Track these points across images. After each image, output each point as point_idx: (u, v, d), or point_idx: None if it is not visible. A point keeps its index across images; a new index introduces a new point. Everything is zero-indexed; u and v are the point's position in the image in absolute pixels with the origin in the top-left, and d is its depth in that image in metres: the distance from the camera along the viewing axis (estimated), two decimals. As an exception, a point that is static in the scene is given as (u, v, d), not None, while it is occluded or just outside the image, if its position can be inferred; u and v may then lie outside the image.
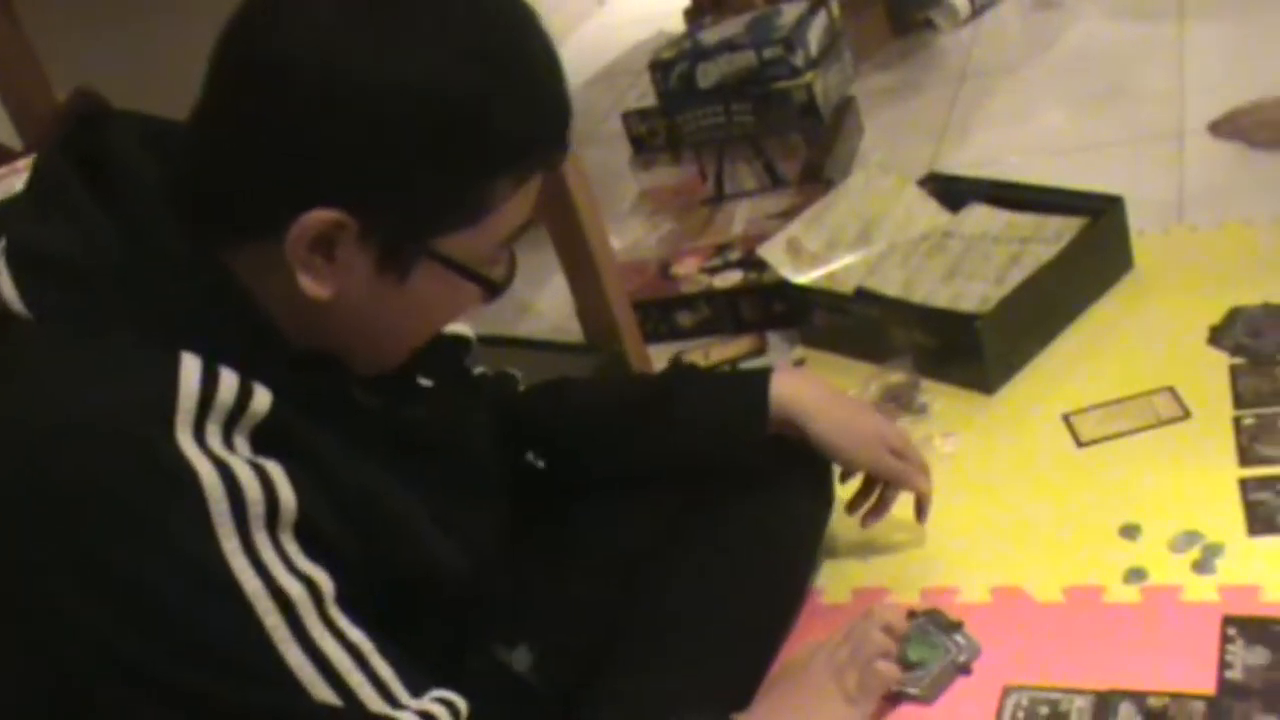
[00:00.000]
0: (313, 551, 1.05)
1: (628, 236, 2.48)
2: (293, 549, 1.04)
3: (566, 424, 1.54)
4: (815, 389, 1.56)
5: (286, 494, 1.04)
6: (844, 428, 1.54)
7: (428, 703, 1.09)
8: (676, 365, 2.15)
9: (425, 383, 1.29)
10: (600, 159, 2.68)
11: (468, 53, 1.04)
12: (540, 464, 1.51)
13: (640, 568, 1.47)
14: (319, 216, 1.03)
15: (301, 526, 1.05)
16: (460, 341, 1.39)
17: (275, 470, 1.04)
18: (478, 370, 1.49)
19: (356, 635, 1.05)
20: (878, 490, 1.61)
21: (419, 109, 1.03)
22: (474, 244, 1.10)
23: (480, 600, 1.28)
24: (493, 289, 1.14)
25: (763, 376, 1.54)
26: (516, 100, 1.06)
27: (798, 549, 1.61)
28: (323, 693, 1.02)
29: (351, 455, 1.11)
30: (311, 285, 1.06)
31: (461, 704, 1.11)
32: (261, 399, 1.05)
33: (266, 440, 1.05)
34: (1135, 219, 2.08)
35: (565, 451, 1.53)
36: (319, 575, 1.04)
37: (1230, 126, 2.33)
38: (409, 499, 1.16)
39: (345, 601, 1.06)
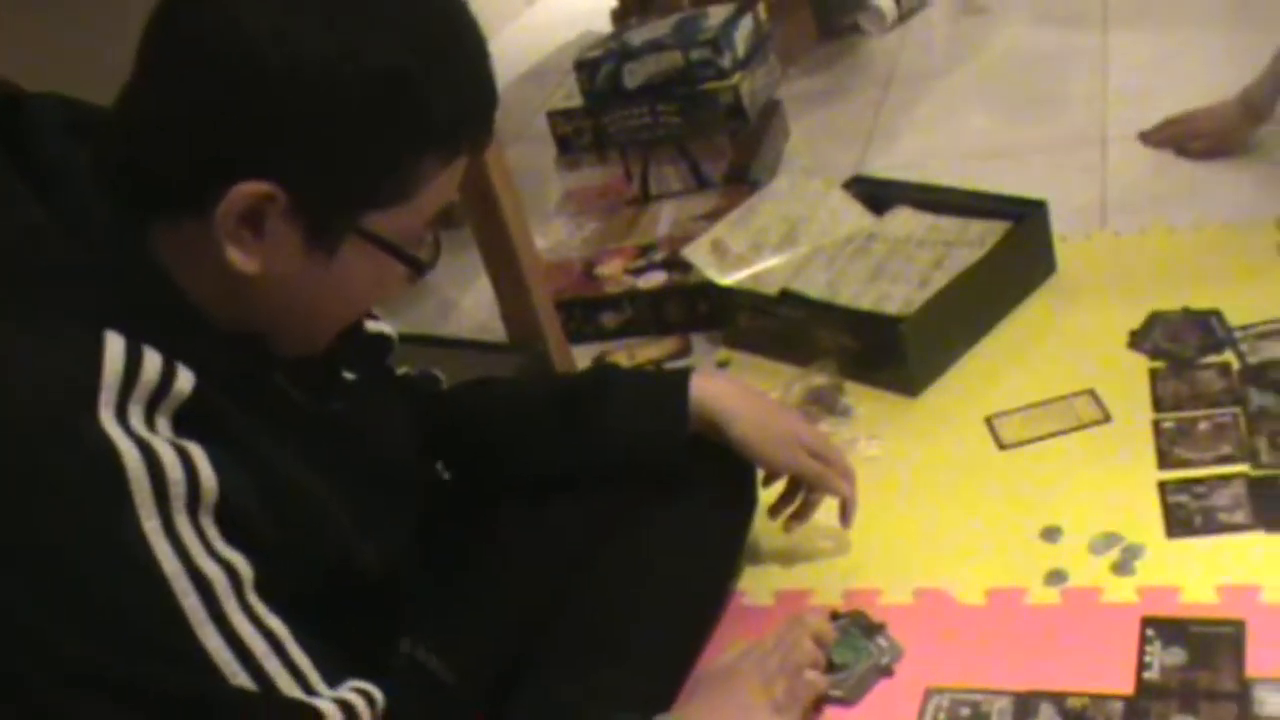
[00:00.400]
0: (232, 536, 1.04)
1: (552, 237, 2.46)
2: (212, 533, 1.03)
3: (487, 424, 1.52)
4: (736, 391, 1.56)
5: (208, 476, 1.03)
6: (764, 430, 1.53)
7: (345, 692, 1.08)
8: (599, 366, 2.14)
9: (348, 376, 1.27)
10: (526, 159, 2.67)
11: (400, 30, 1.05)
12: (446, 475, 1.50)
13: (562, 570, 1.46)
14: (248, 189, 1.03)
15: (222, 510, 1.04)
16: (383, 339, 1.38)
17: (197, 452, 1.03)
18: (400, 370, 1.48)
19: (274, 622, 1.05)
20: (800, 495, 1.60)
21: (350, 84, 1.03)
22: (401, 223, 1.10)
23: (398, 597, 1.26)
24: (419, 268, 1.15)
25: (683, 377, 1.53)
26: (447, 79, 1.07)
27: (719, 552, 1.61)
28: (239, 678, 1.02)
29: (273, 442, 1.11)
30: (240, 259, 1.05)
31: (378, 695, 1.11)
32: (184, 380, 1.04)
33: (189, 422, 1.04)
34: (1058, 224, 2.10)
35: (486, 451, 1.51)
36: (238, 560, 1.04)
37: (1162, 135, 2.35)
38: (328, 489, 1.15)
39: (264, 589, 1.05)
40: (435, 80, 1.06)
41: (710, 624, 1.57)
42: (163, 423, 1.03)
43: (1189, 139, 2.30)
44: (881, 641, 1.48)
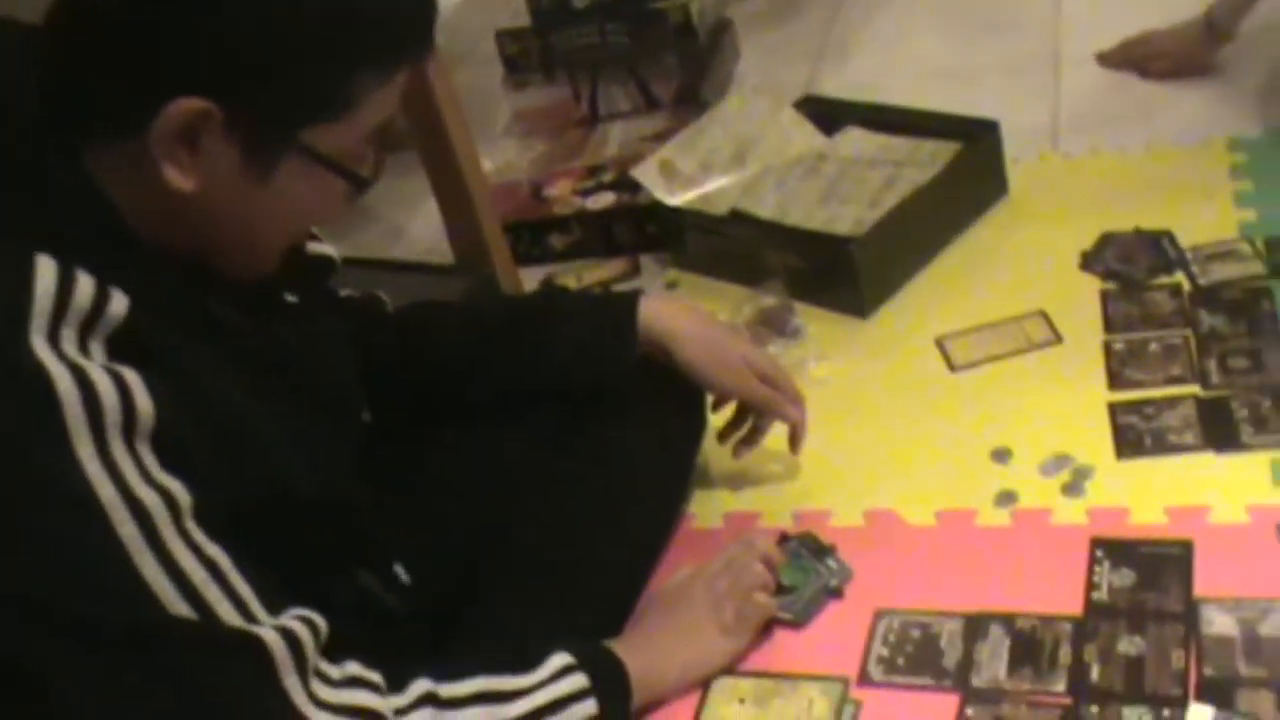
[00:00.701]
0: (169, 463, 1.02)
1: (500, 158, 2.43)
2: (149, 459, 1.01)
3: (435, 345, 1.50)
4: (685, 313, 1.54)
5: (144, 402, 1.00)
6: (712, 354, 1.52)
7: (287, 620, 1.06)
8: (547, 288, 2.12)
9: (289, 299, 1.25)
10: (473, 80, 2.62)
11: None
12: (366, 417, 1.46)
13: (509, 495, 1.44)
14: (184, 105, 1.01)
15: (158, 437, 1.02)
16: (324, 261, 1.35)
17: (132, 378, 1.00)
18: (344, 292, 1.45)
19: (213, 550, 1.03)
20: (749, 420, 1.59)
21: None
22: (341, 139, 1.09)
23: (341, 524, 1.24)
24: (359, 184, 1.13)
25: (632, 299, 1.51)
26: None
27: (668, 475, 1.59)
28: (178, 607, 1.00)
29: (211, 366, 1.09)
30: (177, 178, 1.03)
31: (321, 623, 1.09)
32: (119, 303, 1.01)
33: (123, 347, 1.02)
34: (1010, 145, 2.08)
35: (434, 372, 1.49)
36: (175, 487, 1.02)
37: (1122, 57, 2.33)
38: (267, 414, 1.13)
39: (203, 516, 1.03)
40: None
41: (659, 547, 1.56)
42: (96, 347, 1.01)
43: (1151, 59, 2.28)
44: (831, 563, 1.48)
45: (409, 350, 1.49)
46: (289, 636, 1.05)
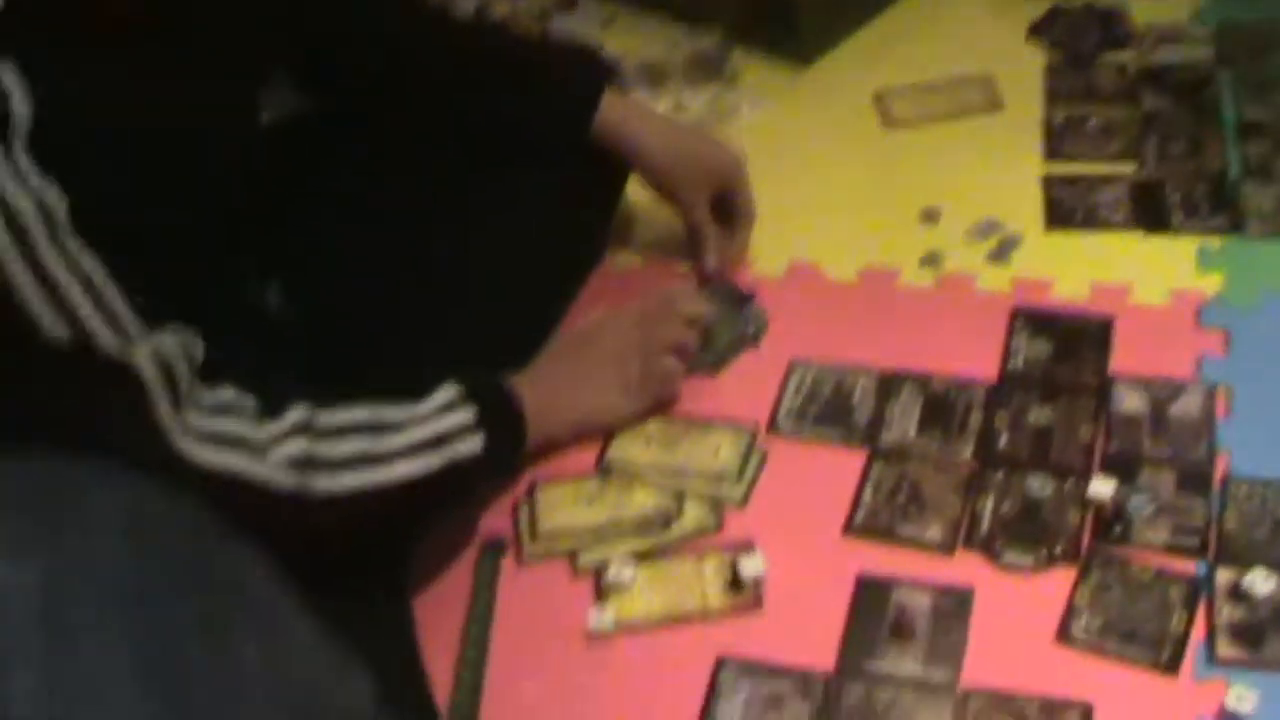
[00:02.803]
0: (49, 167, 0.96)
1: None
2: (24, 162, 0.95)
3: (390, 48, 1.41)
4: (655, 120, 1.47)
5: (19, 100, 0.94)
6: (674, 169, 1.45)
7: (161, 343, 1.01)
8: (486, 22, 1.98)
9: None
10: None
11: None
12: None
13: (416, 219, 1.38)
14: None
15: (36, 138, 0.95)
16: None
17: (7, 73, 0.94)
18: None
19: (89, 263, 0.97)
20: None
21: None
22: None
23: (223, 233, 1.18)
24: None
25: (596, 89, 1.42)
26: None
27: (586, 217, 1.52)
28: (50, 323, 0.95)
29: (96, 55, 1.02)
30: None
31: (197, 347, 1.05)
32: None
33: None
34: (971, -98, 2.00)
35: (389, 73, 1.40)
36: (51, 195, 0.96)
37: None
38: (157, 85, 1.06)
39: (81, 227, 0.97)
40: None
41: (573, 284, 1.51)
42: None
43: None
44: (749, 311, 1.45)
45: (359, 43, 1.40)
46: (162, 363, 1.01)
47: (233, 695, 0.75)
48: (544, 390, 1.30)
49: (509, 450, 1.25)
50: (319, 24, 1.35)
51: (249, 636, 0.77)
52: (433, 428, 1.17)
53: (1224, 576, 1.16)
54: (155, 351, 1.00)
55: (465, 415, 1.19)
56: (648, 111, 1.50)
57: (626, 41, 1.88)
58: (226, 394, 1.07)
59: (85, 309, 0.96)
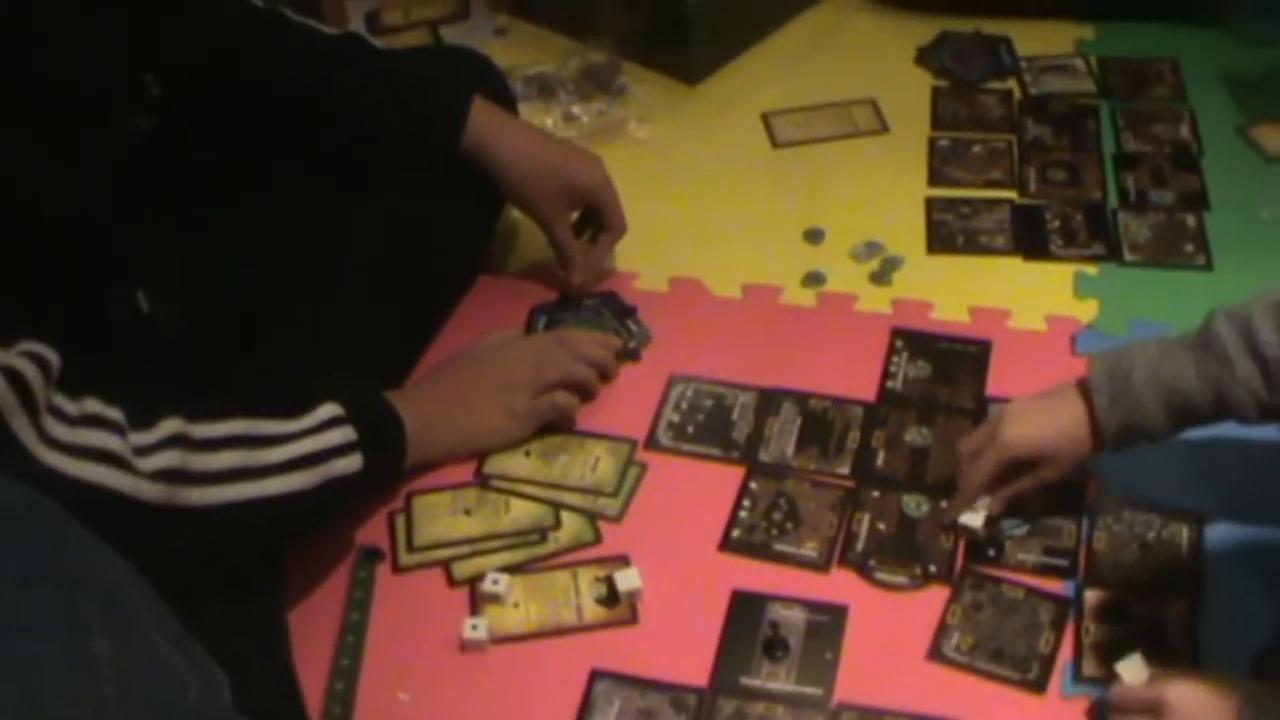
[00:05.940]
0: None
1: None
2: None
3: (267, 56, 1.37)
4: (521, 135, 1.44)
5: None
6: (532, 184, 1.43)
7: (13, 357, 0.96)
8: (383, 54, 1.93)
9: None
10: None
11: None
12: (156, 90, 1.30)
13: (294, 229, 1.35)
14: None
15: None
16: None
17: None
18: None
19: None
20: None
21: None
22: None
23: (106, 243, 1.14)
24: None
25: (465, 99, 1.40)
26: None
27: (467, 226, 1.49)
28: None
29: None
30: None
31: (52, 357, 1.00)
32: None
33: None
34: (861, -73, 2.02)
35: (268, 79, 1.37)
36: None
37: None
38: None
39: None
40: None
41: (449, 297, 1.50)
42: None
43: None
44: (631, 325, 1.45)
45: (242, 52, 1.36)
46: (13, 376, 0.96)
47: (81, 687, 0.73)
48: (426, 410, 1.28)
49: (388, 470, 1.24)
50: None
51: (102, 633, 0.75)
52: (313, 443, 1.14)
53: (1092, 597, 1.17)
54: (5, 367, 0.96)
55: (345, 433, 1.16)
56: (515, 125, 1.47)
57: (518, 53, 1.87)
58: (91, 405, 1.03)
59: None
